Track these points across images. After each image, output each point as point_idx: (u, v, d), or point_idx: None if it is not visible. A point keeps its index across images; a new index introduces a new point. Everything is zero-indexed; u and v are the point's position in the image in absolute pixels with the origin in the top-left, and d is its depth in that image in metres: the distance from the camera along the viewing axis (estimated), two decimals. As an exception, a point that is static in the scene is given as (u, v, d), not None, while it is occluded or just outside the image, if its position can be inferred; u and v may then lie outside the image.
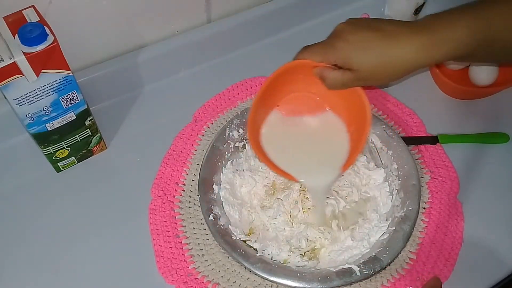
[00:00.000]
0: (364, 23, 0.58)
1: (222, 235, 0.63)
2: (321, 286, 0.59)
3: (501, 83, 0.79)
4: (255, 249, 0.64)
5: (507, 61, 0.72)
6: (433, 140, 0.76)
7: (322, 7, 0.91)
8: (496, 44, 0.53)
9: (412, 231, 0.64)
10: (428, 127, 0.78)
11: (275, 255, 0.64)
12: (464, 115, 0.80)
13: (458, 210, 0.70)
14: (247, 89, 0.82)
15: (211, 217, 0.64)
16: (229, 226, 0.64)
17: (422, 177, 0.72)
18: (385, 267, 0.62)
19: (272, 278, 0.60)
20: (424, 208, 0.70)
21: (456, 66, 0.82)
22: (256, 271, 0.60)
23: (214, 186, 0.68)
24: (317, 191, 0.65)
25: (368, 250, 0.63)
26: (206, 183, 0.67)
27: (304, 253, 0.65)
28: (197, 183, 0.69)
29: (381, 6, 0.91)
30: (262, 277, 0.60)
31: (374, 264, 0.60)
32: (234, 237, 0.63)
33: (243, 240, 0.64)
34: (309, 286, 0.59)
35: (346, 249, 0.64)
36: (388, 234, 0.64)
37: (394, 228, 0.64)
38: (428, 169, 0.74)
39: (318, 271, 0.61)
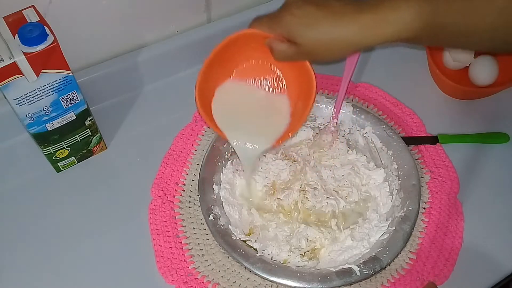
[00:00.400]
0: None
1: (222, 235, 0.63)
2: (321, 286, 0.59)
3: (501, 83, 0.79)
4: (255, 249, 0.64)
5: (459, 47, 0.71)
6: (433, 140, 0.76)
7: (322, 7, 0.91)
8: (444, 29, 0.52)
9: (412, 231, 0.64)
10: (428, 127, 0.78)
11: (275, 255, 0.64)
12: (464, 115, 0.80)
13: (458, 210, 0.70)
14: (247, 89, 0.82)
15: (211, 217, 0.64)
16: (229, 226, 0.64)
17: (422, 177, 0.72)
18: (385, 267, 0.62)
19: (272, 278, 0.60)
20: (424, 208, 0.70)
21: (456, 66, 0.82)
22: (256, 271, 0.60)
23: (214, 186, 0.68)
24: (245, 157, 0.66)
25: (368, 250, 0.63)
26: (206, 183, 0.67)
27: (304, 253, 0.65)
28: (197, 183, 0.69)
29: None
30: (262, 277, 0.60)
31: (374, 264, 0.60)
32: (234, 237, 0.63)
33: (243, 240, 0.64)
34: (309, 286, 0.59)
35: (346, 249, 0.64)
36: (388, 234, 0.64)
37: (394, 228, 0.64)
38: (428, 169, 0.74)
39: (318, 271, 0.61)
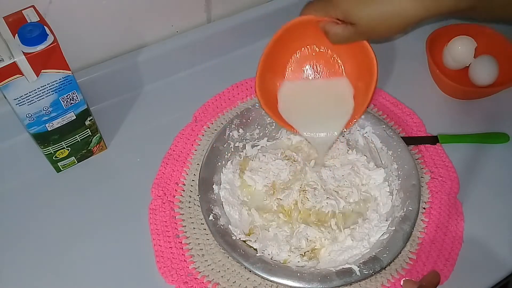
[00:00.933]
0: None
1: (222, 235, 0.63)
2: (321, 286, 0.59)
3: (501, 83, 0.79)
4: (255, 249, 0.64)
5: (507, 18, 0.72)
6: (433, 140, 0.76)
7: (322, 7, 0.91)
8: None
9: (412, 231, 0.64)
10: (428, 127, 0.78)
11: (275, 255, 0.64)
12: (464, 115, 0.80)
13: (458, 210, 0.70)
14: (247, 89, 0.82)
15: (211, 217, 0.64)
16: (229, 226, 0.64)
17: (422, 177, 0.72)
18: (385, 267, 0.62)
19: (272, 278, 0.60)
20: (424, 208, 0.70)
21: (456, 66, 0.82)
22: (256, 271, 0.60)
23: (214, 186, 0.68)
24: (320, 145, 0.69)
25: (368, 250, 0.63)
26: (206, 183, 0.67)
27: (304, 253, 0.65)
28: (197, 183, 0.69)
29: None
30: (262, 277, 0.60)
31: (374, 264, 0.60)
32: (234, 237, 0.63)
33: (243, 240, 0.64)
34: (309, 286, 0.59)
35: (346, 249, 0.64)
36: (388, 234, 0.64)
37: (394, 228, 0.64)
38: (428, 169, 0.74)
39: (318, 271, 0.61)
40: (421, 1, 0.53)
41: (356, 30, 0.57)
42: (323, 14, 0.59)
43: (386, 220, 0.66)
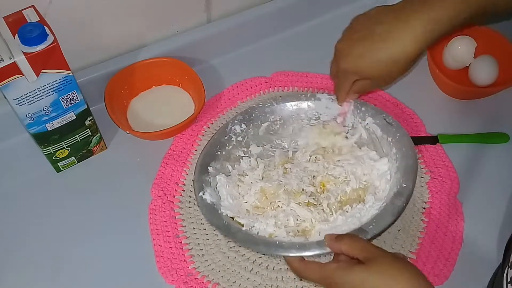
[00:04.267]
0: (356, 35, 0.63)
1: (209, 210, 0.63)
2: (298, 254, 0.57)
3: (501, 83, 0.79)
4: (242, 225, 0.63)
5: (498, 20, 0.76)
6: (433, 140, 0.76)
7: (322, 7, 0.91)
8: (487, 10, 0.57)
9: (404, 207, 0.60)
10: (428, 127, 0.78)
11: (261, 231, 0.63)
12: (464, 115, 0.80)
13: (458, 210, 0.70)
14: (247, 89, 0.82)
15: (201, 193, 0.64)
16: (219, 203, 0.64)
17: (422, 177, 0.72)
18: (371, 239, 0.59)
19: (252, 247, 0.60)
20: (424, 208, 0.70)
21: (456, 66, 0.82)
22: (237, 241, 0.60)
23: (209, 168, 0.67)
24: None
25: (358, 227, 0.60)
26: (203, 168, 0.67)
27: (291, 230, 0.64)
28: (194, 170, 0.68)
29: (381, 6, 0.91)
30: (241, 246, 0.61)
31: (359, 234, 0.58)
32: (220, 212, 0.63)
33: (230, 217, 0.63)
34: (286, 254, 0.57)
35: (335, 227, 0.62)
36: (378, 210, 0.62)
37: (385, 204, 0.62)
38: (428, 169, 0.74)
39: (299, 241, 0.60)
40: (420, 36, 0.58)
41: (371, 83, 0.65)
42: (345, 81, 0.67)
43: (381, 202, 0.64)
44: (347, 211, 0.65)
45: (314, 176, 0.70)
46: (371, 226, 0.59)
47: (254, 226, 0.64)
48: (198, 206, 0.64)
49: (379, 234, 0.59)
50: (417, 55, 0.60)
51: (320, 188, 0.69)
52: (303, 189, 0.68)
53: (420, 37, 0.58)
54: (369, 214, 0.62)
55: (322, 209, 0.66)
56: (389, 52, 0.59)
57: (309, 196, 0.67)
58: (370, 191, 0.67)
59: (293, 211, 0.65)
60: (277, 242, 0.59)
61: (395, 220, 0.60)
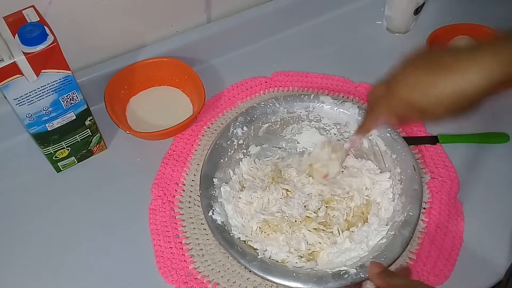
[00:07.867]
0: (421, 63, 0.55)
1: (221, 232, 0.62)
2: (316, 287, 0.58)
3: (501, 83, 0.79)
4: (256, 249, 0.63)
5: None
6: (433, 140, 0.76)
7: (322, 7, 0.91)
8: None
9: (411, 237, 0.63)
10: (428, 127, 0.78)
11: (274, 255, 0.64)
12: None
13: (458, 210, 0.70)
14: (247, 89, 0.82)
15: (210, 213, 0.64)
16: (229, 222, 0.64)
17: (422, 177, 0.72)
18: None
19: (268, 277, 0.59)
20: (424, 208, 0.70)
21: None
22: (253, 269, 0.60)
23: (214, 180, 0.67)
24: None
25: (367, 253, 0.63)
26: (207, 180, 0.67)
27: (303, 255, 0.65)
28: (198, 182, 0.68)
29: (381, 6, 0.91)
30: (258, 275, 0.60)
31: None
32: (232, 234, 0.63)
33: (243, 240, 0.64)
34: (304, 287, 0.58)
35: (344, 251, 0.64)
36: (387, 239, 0.63)
37: (393, 233, 0.63)
38: (428, 169, 0.74)
39: (314, 272, 0.60)
40: (486, 71, 0.48)
41: (419, 115, 0.53)
42: (386, 110, 0.56)
43: (386, 225, 0.65)
44: (352, 231, 0.66)
45: (316, 196, 0.69)
46: (383, 259, 0.60)
47: (266, 249, 0.64)
48: (209, 227, 0.63)
49: (389, 266, 0.61)
50: (485, 92, 0.50)
51: (324, 207, 0.68)
52: (307, 216, 0.67)
53: (494, 74, 0.48)
54: (375, 238, 0.64)
55: (331, 232, 0.66)
56: (455, 84, 0.50)
57: (318, 223, 0.67)
58: (373, 210, 0.68)
59: (304, 236, 0.65)
60: (294, 274, 0.59)
61: (403, 251, 0.62)
